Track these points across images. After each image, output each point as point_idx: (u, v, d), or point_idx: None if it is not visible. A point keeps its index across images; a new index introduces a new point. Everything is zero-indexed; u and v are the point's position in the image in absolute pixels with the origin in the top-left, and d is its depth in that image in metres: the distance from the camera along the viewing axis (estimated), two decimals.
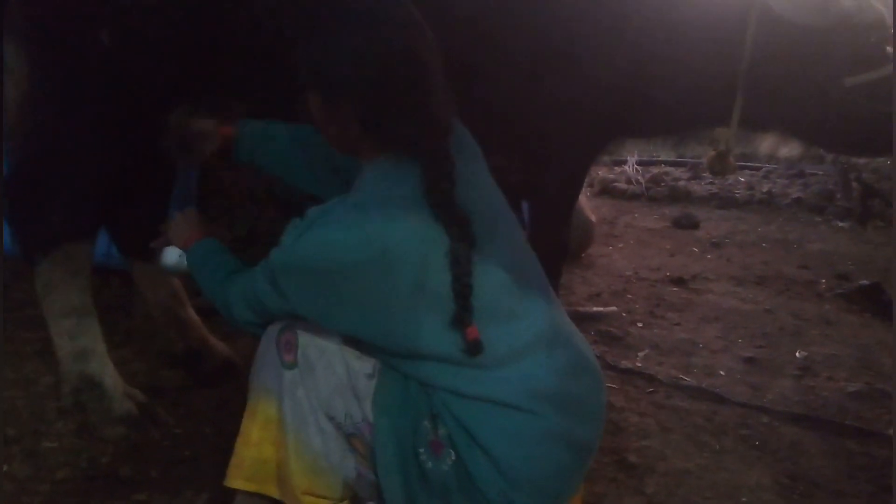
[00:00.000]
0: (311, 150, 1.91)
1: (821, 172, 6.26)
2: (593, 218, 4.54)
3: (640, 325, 3.41)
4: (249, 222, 3.34)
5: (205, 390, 2.50)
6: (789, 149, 2.63)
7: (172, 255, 1.91)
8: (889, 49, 2.25)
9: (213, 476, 1.99)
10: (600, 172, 6.52)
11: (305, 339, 1.57)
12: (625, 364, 2.93)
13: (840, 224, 5.37)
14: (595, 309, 3.54)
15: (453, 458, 1.47)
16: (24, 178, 2.11)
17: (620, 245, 4.88)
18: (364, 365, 1.55)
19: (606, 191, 6.37)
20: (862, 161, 4.90)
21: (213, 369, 2.57)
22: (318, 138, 1.75)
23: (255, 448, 1.62)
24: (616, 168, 6.65)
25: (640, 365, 2.94)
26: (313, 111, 1.56)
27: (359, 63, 1.44)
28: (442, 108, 1.49)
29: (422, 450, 1.49)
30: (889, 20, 2.26)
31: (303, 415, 1.57)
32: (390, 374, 1.54)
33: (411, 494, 1.49)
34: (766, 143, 2.64)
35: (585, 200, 4.62)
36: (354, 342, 1.55)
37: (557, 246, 2.59)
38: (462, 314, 1.42)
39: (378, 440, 1.52)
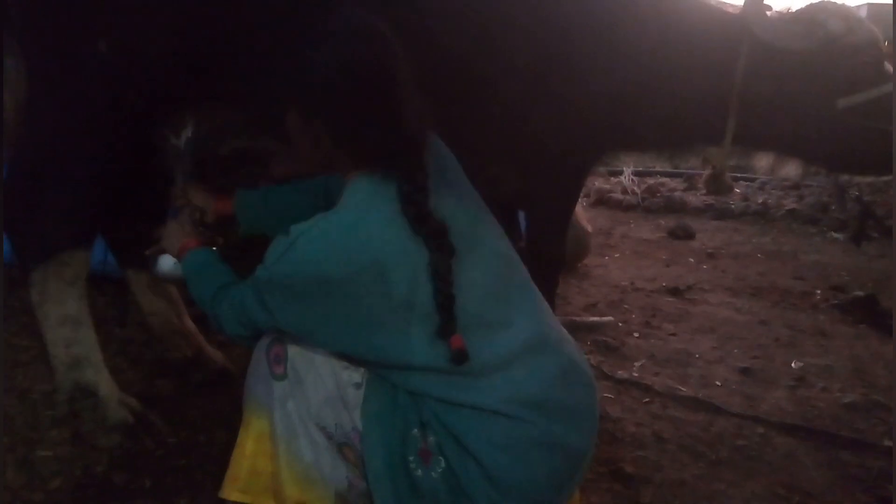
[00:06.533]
0: (306, 207, 1.90)
1: (815, 184, 6.29)
2: (589, 228, 4.55)
3: (636, 335, 3.42)
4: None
5: (200, 399, 2.49)
6: (789, 168, 2.64)
7: (167, 263, 1.91)
8: (887, 67, 2.27)
9: (207, 485, 1.99)
10: (596, 183, 6.56)
11: (294, 351, 1.58)
12: (621, 374, 2.94)
13: (835, 235, 5.40)
14: (591, 319, 3.55)
15: (443, 465, 1.47)
16: (21, 185, 2.10)
17: (616, 255, 4.89)
18: (353, 375, 1.56)
19: (602, 201, 6.40)
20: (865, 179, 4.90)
21: (209, 378, 2.57)
22: (311, 193, 1.80)
23: (249, 460, 1.62)
24: (612, 179, 6.68)
25: (636, 375, 2.95)
26: (290, 128, 1.58)
27: (327, 78, 1.46)
28: (413, 122, 1.50)
29: (411, 458, 1.49)
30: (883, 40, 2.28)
31: (293, 426, 1.58)
32: (378, 383, 1.54)
33: (402, 503, 1.49)
34: (765, 162, 2.66)
35: (581, 211, 4.63)
36: (343, 353, 1.55)
37: (554, 256, 2.59)
38: (446, 324, 1.42)
39: (367, 449, 1.52)
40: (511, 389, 1.48)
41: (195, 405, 2.46)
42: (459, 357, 1.42)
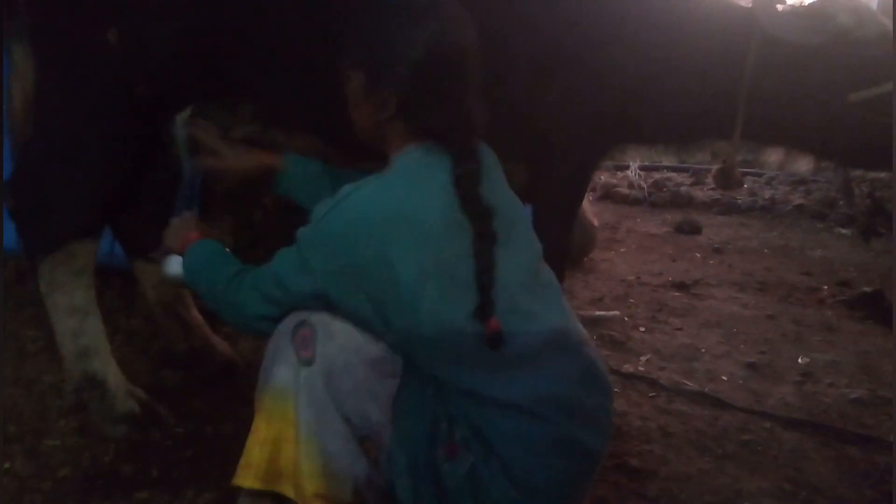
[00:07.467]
0: None
1: (823, 179, 6.25)
2: (595, 222, 4.54)
3: (642, 329, 3.41)
4: (254, 227, 3.33)
5: (206, 390, 2.49)
6: (799, 163, 2.62)
7: (175, 264, 1.89)
8: None
9: (215, 475, 2.00)
10: (602, 177, 6.53)
11: (323, 336, 1.52)
12: (627, 368, 2.93)
13: (842, 231, 5.37)
14: (597, 313, 3.54)
15: (470, 461, 1.47)
16: (28, 176, 2.11)
17: (622, 250, 4.88)
18: (384, 366, 1.54)
19: (609, 195, 6.37)
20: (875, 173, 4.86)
21: (215, 369, 2.57)
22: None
23: (265, 446, 1.57)
24: (618, 173, 6.65)
25: (642, 369, 2.94)
26: (351, 92, 1.60)
27: (409, 48, 1.49)
28: (475, 106, 1.54)
29: (439, 451, 1.49)
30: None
31: (318, 414, 1.53)
32: (410, 375, 1.54)
33: (421, 497, 1.49)
34: (774, 157, 2.65)
35: (588, 205, 4.62)
36: (374, 339, 1.54)
37: (559, 250, 2.58)
38: (484, 306, 1.44)
39: (395, 441, 1.52)
40: (536, 386, 1.48)
41: (202, 396, 2.46)
42: (495, 340, 1.44)
